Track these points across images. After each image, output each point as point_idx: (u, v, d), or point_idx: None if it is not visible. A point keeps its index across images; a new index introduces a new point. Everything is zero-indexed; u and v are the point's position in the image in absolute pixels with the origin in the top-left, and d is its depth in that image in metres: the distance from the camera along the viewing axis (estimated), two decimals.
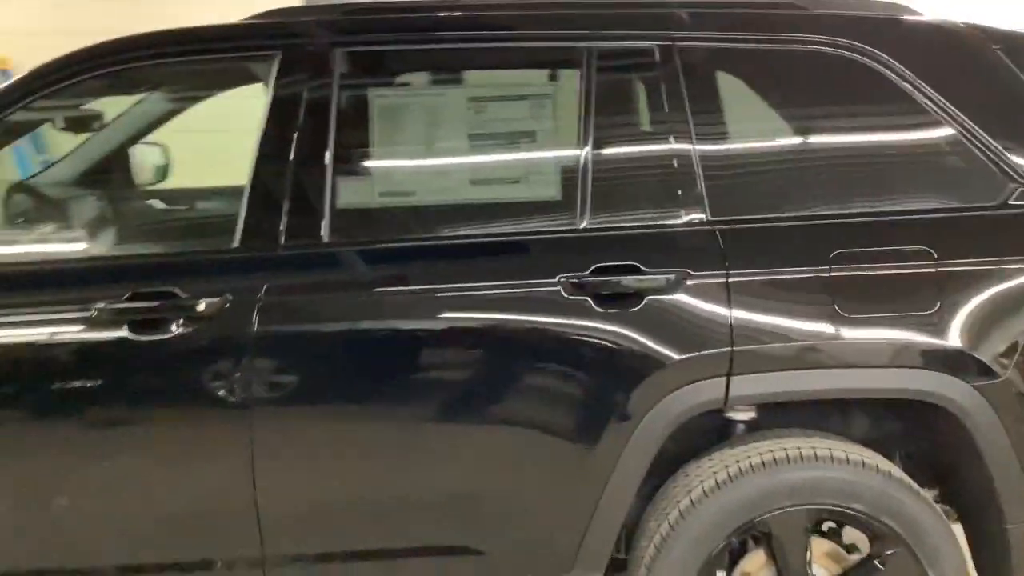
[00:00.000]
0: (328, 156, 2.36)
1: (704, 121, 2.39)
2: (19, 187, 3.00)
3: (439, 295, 2.32)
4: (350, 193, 2.40)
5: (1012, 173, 2.39)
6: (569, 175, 2.39)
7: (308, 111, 2.37)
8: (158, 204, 3.30)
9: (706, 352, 2.27)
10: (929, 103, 2.41)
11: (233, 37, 2.56)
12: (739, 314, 2.27)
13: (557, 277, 2.28)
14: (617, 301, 2.28)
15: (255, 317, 2.27)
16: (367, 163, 2.47)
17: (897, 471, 2.37)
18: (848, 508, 2.31)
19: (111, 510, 2.35)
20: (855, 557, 2.41)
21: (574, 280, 2.28)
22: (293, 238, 2.34)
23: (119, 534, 2.36)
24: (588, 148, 2.38)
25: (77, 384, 2.31)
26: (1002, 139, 2.40)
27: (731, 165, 2.42)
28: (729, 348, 2.26)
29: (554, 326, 2.29)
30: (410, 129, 2.44)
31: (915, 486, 2.35)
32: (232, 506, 2.32)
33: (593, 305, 2.28)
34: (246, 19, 2.59)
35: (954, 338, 2.28)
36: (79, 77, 2.44)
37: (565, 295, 2.28)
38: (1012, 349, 2.30)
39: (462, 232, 2.45)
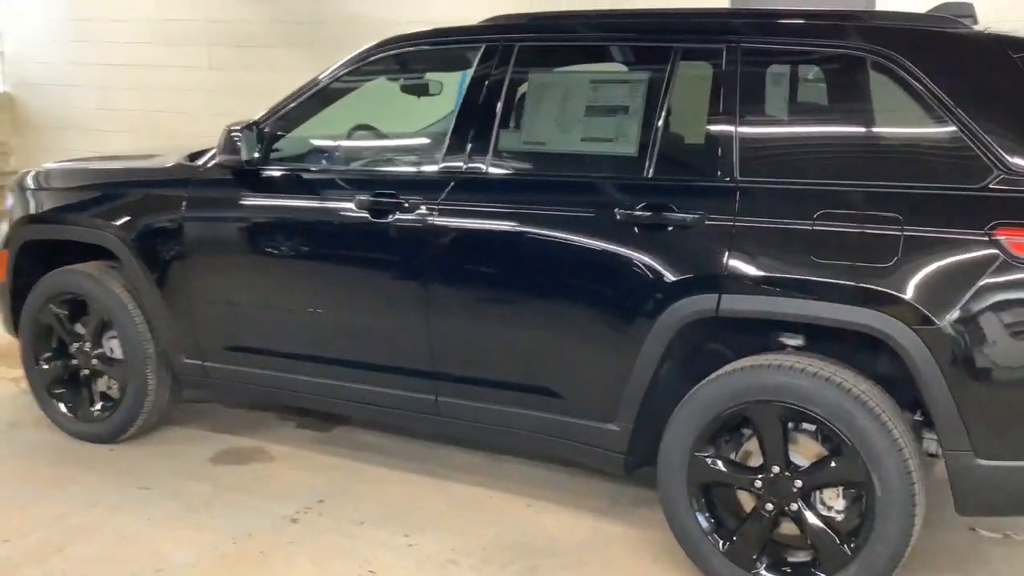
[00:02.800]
0: (498, 111, 3.54)
1: (749, 109, 3.16)
2: (360, 127, 4.59)
3: (545, 214, 3.42)
4: (506, 140, 3.56)
5: (996, 163, 2.84)
6: (645, 139, 3.31)
7: (489, 85, 3.58)
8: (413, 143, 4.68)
9: (705, 273, 3.10)
10: (935, 102, 2.93)
11: (472, 31, 3.81)
12: (736, 250, 3.06)
13: (615, 209, 3.25)
14: (651, 229, 3.20)
15: (436, 213, 3.55)
16: (519, 120, 3.59)
17: (859, 390, 2.92)
18: (809, 410, 2.98)
19: (347, 323, 3.82)
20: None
21: (626, 211, 3.24)
22: (469, 165, 3.57)
23: (344, 337, 3.84)
24: (661, 121, 3.28)
25: (344, 241, 3.80)
26: (995, 135, 2.86)
27: (760, 141, 3.18)
28: (722, 273, 3.07)
29: (607, 242, 3.28)
30: (549, 99, 3.53)
31: (872, 404, 2.90)
32: (415, 334, 3.65)
33: (636, 230, 3.22)
34: (480, 22, 3.84)
35: (901, 288, 2.84)
36: (374, 56, 3.89)
37: (618, 220, 3.24)
38: (951, 303, 2.80)
39: (569, 172, 3.52)
